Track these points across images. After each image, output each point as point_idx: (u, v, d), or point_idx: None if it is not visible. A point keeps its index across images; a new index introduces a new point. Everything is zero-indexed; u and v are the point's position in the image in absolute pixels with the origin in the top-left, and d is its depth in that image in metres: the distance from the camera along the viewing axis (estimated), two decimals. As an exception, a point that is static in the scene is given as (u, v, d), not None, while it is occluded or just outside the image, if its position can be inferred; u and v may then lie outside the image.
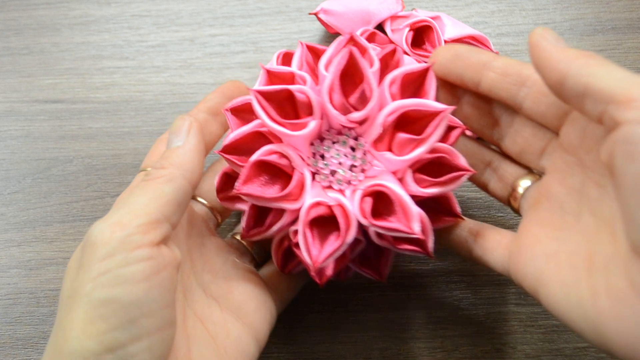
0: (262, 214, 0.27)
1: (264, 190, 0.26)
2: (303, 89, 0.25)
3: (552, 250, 0.23)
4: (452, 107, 0.25)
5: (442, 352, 0.32)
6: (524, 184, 0.27)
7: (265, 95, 0.25)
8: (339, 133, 0.27)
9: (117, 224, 0.21)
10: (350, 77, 0.25)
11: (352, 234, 0.25)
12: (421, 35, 0.39)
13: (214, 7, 0.41)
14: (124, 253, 0.21)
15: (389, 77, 0.26)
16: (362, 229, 0.26)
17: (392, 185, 0.25)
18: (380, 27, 0.40)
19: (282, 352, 0.33)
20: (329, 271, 0.26)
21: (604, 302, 0.20)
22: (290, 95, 0.26)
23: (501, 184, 0.28)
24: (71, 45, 0.41)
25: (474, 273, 0.34)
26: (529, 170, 0.27)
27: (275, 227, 0.26)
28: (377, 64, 0.26)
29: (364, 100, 0.25)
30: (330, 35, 0.40)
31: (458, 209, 0.28)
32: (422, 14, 0.38)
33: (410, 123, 0.26)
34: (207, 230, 0.30)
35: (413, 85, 0.27)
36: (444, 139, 0.26)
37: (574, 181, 0.24)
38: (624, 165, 0.19)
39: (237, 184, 0.25)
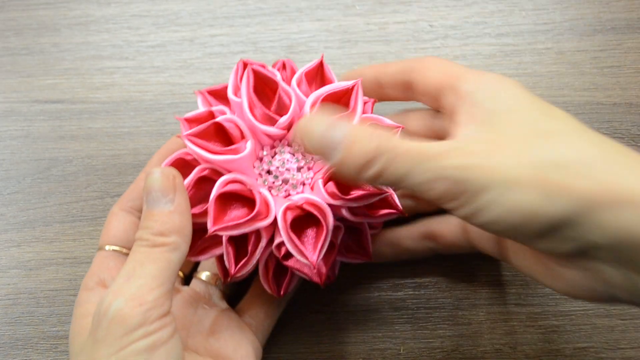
0: (239, 249, 0.27)
1: (235, 219, 0.26)
2: (229, 118, 0.27)
3: None
4: (359, 79, 0.27)
5: (441, 352, 0.32)
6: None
7: (197, 135, 0.26)
8: (272, 147, 0.28)
9: (135, 299, 0.22)
10: (262, 92, 0.27)
11: (330, 219, 0.26)
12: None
13: (214, 7, 0.41)
14: (145, 327, 0.22)
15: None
16: (335, 215, 0.27)
17: None
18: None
19: (282, 352, 0.33)
20: (324, 268, 0.27)
21: None
22: (218, 127, 0.27)
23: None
24: (71, 45, 0.41)
25: (474, 273, 0.34)
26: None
27: (259, 250, 0.26)
28: (279, 75, 0.28)
29: (283, 106, 0.27)
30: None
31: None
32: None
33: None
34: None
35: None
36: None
37: None
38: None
39: (209, 226, 0.25)
